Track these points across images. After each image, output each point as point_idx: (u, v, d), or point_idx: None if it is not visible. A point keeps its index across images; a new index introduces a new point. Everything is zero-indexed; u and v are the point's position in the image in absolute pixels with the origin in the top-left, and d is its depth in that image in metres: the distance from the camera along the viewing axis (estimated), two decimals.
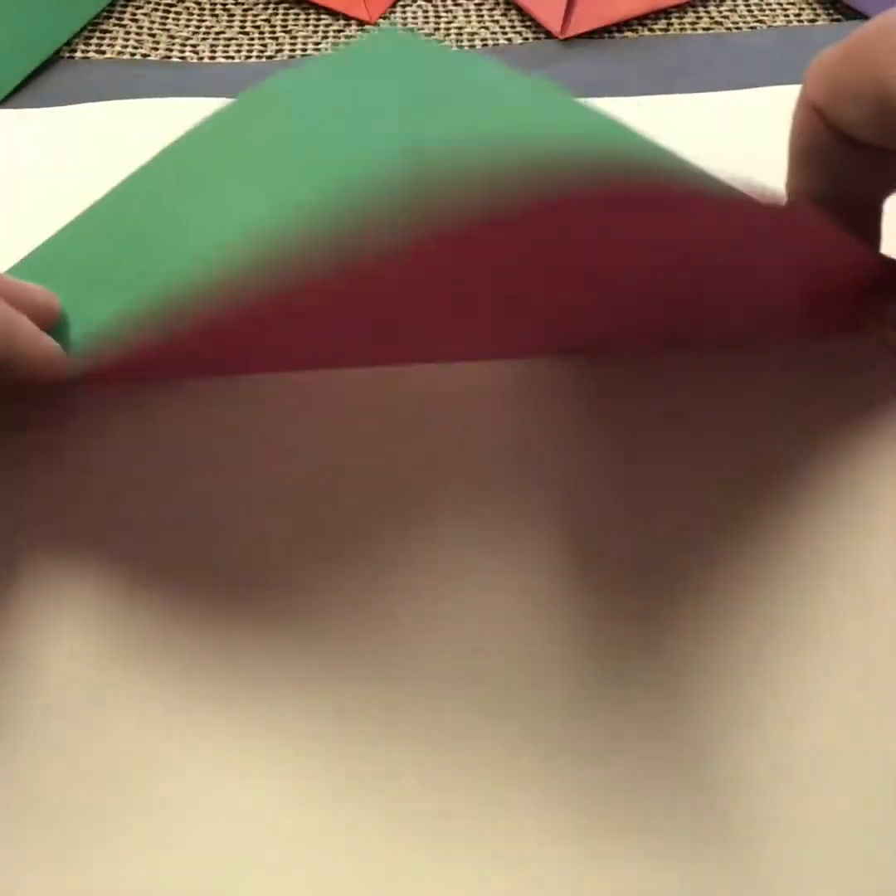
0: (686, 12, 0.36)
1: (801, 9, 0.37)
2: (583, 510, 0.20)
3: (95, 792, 0.17)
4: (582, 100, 0.28)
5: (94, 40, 0.35)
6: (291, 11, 0.37)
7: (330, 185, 0.24)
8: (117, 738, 0.18)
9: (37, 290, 0.20)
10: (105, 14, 0.36)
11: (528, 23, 0.36)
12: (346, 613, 0.19)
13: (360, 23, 0.36)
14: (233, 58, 0.35)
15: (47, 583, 0.19)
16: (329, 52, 0.35)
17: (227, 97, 0.31)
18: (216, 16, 0.36)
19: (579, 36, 0.35)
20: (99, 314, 0.21)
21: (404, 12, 0.36)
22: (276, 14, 0.36)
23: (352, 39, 0.35)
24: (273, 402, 0.22)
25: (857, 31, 0.18)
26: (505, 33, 0.36)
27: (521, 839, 0.17)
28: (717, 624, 0.19)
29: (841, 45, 0.18)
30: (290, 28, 0.36)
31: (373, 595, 0.19)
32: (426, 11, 0.36)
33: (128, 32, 0.35)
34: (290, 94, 0.28)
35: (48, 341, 0.19)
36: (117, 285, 0.23)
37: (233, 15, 0.36)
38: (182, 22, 0.36)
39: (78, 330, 0.21)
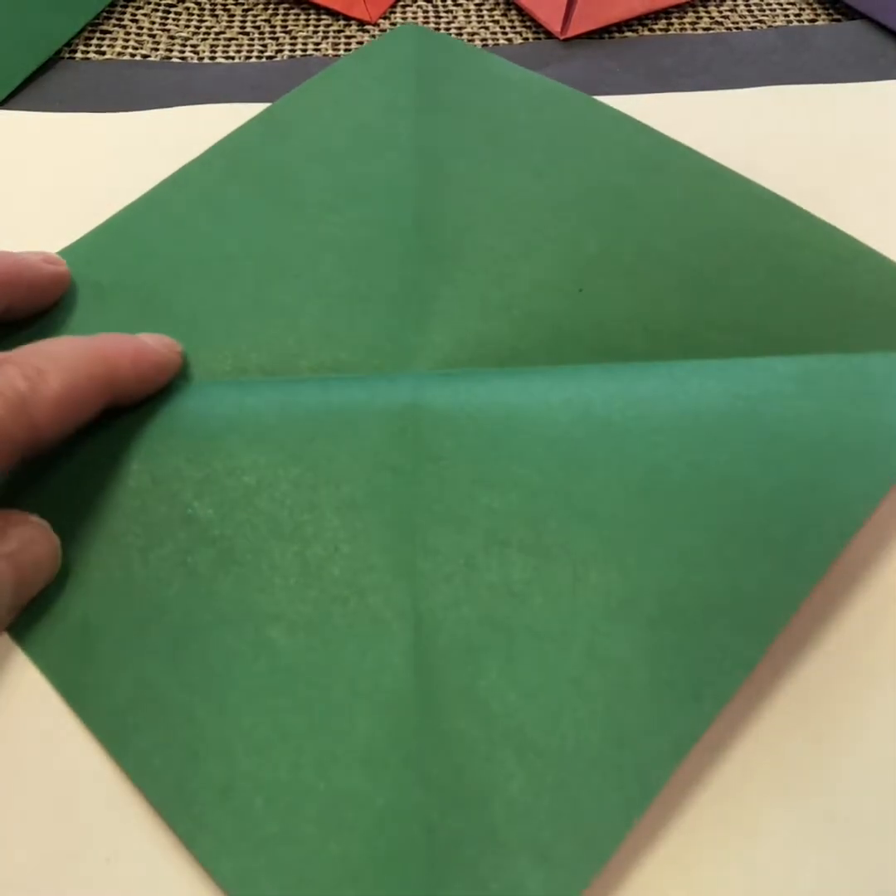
0: (686, 12, 0.36)
1: (801, 9, 0.37)
2: None
3: None
4: (594, 98, 0.29)
5: (94, 41, 0.35)
6: (291, 11, 0.37)
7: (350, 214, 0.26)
8: None
9: (43, 256, 0.24)
10: (105, 14, 0.36)
11: (528, 23, 0.36)
12: None
13: (361, 23, 0.36)
14: (233, 58, 0.35)
15: None
16: (328, 52, 0.35)
17: (226, 102, 0.32)
18: (216, 16, 0.36)
19: (579, 36, 0.35)
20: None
21: (404, 12, 0.36)
22: (276, 14, 0.36)
23: (352, 39, 0.35)
24: None
25: None
26: (505, 33, 0.36)
27: None
28: None
29: None
30: (290, 28, 0.36)
31: None
32: (426, 11, 0.36)
33: (128, 33, 0.35)
34: (310, 108, 0.29)
35: (53, 266, 0.24)
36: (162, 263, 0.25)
37: (233, 15, 0.36)
38: (182, 22, 0.36)
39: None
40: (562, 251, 0.25)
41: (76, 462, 0.21)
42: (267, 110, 0.29)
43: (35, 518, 0.19)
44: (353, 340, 0.23)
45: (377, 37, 0.33)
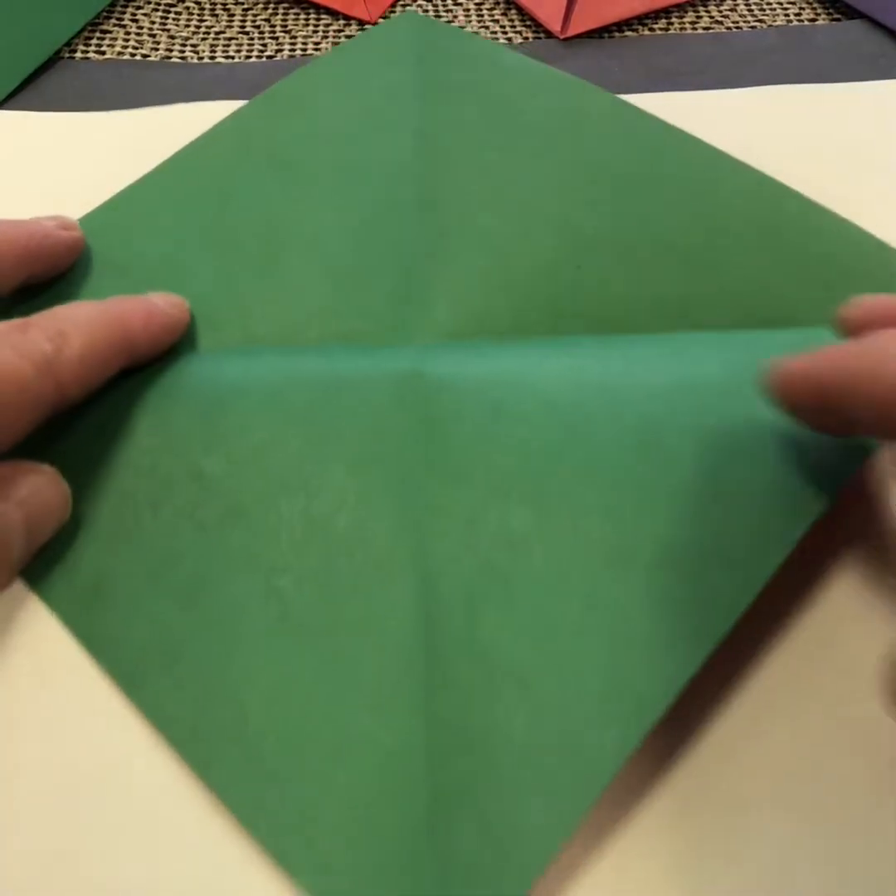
0: (686, 12, 0.36)
1: (801, 8, 0.37)
2: None
3: None
4: (592, 85, 0.29)
5: (94, 40, 0.35)
6: (291, 11, 0.37)
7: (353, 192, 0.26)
8: None
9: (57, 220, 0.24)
10: (105, 14, 0.36)
11: (529, 22, 0.36)
12: None
13: (360, 22, 0.36)
14: (233, 58, 0.35)
15: None
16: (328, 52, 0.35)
17: (224, 100, 0.32)
18: (216, 16, 0.36)
19: (579, 35, 0.35)
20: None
21: (404, 12, 0.36)
22: (276, 14, 0.36)
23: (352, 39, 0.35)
24: None
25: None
26: (505, 33, 0.36)
27: None
28: None
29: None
30: (290, 28, 0.36)
31: None
32: (426, 11, 0.36)
33: (128, 33, 0.35)
34: (314, 87, 0.29)
35: (68, 233, 0.24)
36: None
37: (233, 15, 0.36)
38: (182, 22, 0.36)
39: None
40: (561, 230, 0.25)
41: (89, 422, 0.21)
42: (271, 90, 0.29)
43: (45, 466, 0.20)
44: (358, 314, 0.24)
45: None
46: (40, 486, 0.19)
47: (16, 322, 0.19)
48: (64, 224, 0.24)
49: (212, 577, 0.19)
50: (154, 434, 0.21)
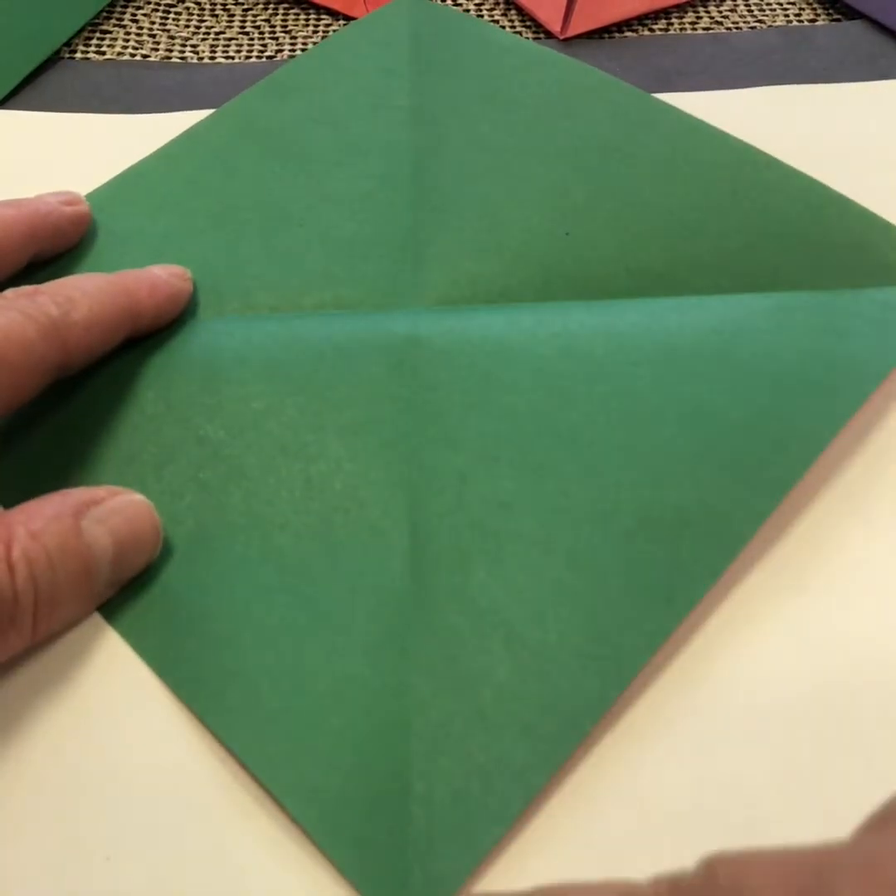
0: (686, 12, 0.36)
1: (801, 9, 0.37)
2: None
3: None
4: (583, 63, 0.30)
5: (94, 41, 0.35)
6: (291, 11, 0.37)
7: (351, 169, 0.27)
8: None
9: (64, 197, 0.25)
10: (105, 14, 0.36)
11: (529, 23, 0.36)
12: None
13: None
14: (233, 58, 0.35)
15: None
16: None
17: (226, 102, 0.32)
18: (216, 16, 0.36)
19: (579, 36, 0.35)
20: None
21: None
22: (276, 14, 0.36)
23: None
24: None
25: None
26: None
27: None
28: None
29: None
30: (289, 28, 0.36)
31: None
32: None
33: (128, 33, 0.35)
34: (314, 70, 0.30)
35: (73, 208, 0.24)
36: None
37: (233, 15, 0.36)
38: (182, 22, 0.36)
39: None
40: (550, 199, 0.26)
41: (94, 388, 0.22)
42: (270, 77, 0.30)
43: (140, 496, 0.20)
44: (354, 280, 0.25)
45: None
46: (134, 517, 0.19)
47: (24, 288, 0.20)
48: (69, 199, 0.24)
49: (212, 535, 0.20)
50: (158, 402, 0.22)
